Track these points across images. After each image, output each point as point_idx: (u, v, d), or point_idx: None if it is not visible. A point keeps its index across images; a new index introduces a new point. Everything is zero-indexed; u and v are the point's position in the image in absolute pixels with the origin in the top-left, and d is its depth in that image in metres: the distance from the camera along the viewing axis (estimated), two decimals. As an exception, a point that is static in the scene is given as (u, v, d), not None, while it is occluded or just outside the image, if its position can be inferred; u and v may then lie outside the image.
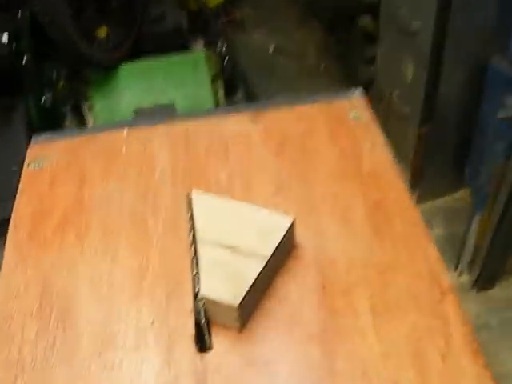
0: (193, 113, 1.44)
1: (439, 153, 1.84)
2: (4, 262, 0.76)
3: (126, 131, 0.96)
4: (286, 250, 0.73)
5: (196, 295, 0.67)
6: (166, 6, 2.13)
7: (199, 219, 0.75)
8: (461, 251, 1.73)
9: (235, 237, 0.72)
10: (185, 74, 1.96)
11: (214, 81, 1.98)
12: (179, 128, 0.96)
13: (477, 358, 0.62)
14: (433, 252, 0.73)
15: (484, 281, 1.71)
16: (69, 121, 1.95)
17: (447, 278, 0.70)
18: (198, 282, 0.67)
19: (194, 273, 0.69)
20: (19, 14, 1.71)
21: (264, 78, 2.34)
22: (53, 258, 0.76)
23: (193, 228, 0.74)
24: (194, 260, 0.70)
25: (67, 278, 0.74)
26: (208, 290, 0.66)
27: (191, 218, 0.76)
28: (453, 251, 1.74)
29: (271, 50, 2.57)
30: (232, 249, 0.70)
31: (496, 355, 1.53)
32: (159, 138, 0.94)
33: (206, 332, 0.66)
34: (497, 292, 1.73)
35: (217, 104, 1.96)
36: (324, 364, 0.63)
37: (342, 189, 0.82)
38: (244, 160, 0.89)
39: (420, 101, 1.73)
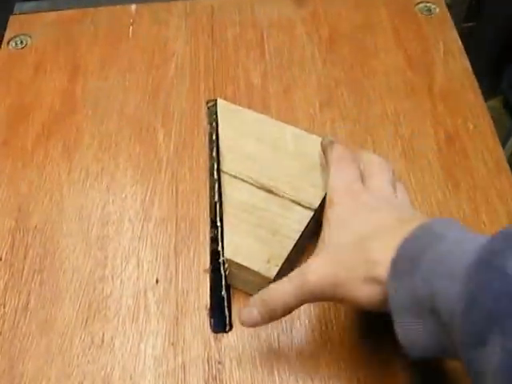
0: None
1: (477, 55, 1.59)
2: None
3: (134, 7, 0.74)
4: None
5: (216, 254, 0.50)
6: None
7: (224, 142, 0.56)
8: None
9: (272, 173, 0.53)
10: None
11: None
12: (203, 6, 0.73)
13: None
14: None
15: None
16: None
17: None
18: (221, 238, 0.49)
19: (217, 222, 0.51)
20: None
21: None
22: (31, 178, 0.59)
23: (217, 154, 0.55)
24: (218, 202, 0.52)
25: (48, 210, 0.56)
26: (233, 250, 0.49)
27: (212, 139, 0.57)
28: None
29: None
30: (268, 191, 0.52)
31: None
32: (177, 19, 0.72)
33: (225, 306, 0.49)
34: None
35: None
36: None
37: (408, 109, 0.62)
38: (284, 58, 0.68)
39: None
